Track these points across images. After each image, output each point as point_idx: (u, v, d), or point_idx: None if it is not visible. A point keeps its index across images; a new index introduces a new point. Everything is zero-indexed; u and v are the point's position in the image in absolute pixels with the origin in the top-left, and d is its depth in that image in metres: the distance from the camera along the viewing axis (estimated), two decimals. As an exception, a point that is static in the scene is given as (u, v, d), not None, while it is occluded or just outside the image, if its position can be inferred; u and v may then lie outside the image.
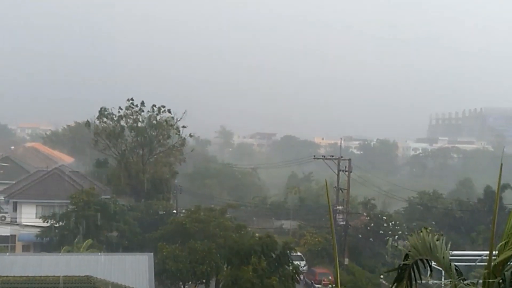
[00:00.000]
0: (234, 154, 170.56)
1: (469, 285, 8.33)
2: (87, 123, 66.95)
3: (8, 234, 55.75)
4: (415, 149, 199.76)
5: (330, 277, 52.05)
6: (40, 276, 30.05)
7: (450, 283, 8.74)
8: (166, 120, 66.06)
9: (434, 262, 9.22)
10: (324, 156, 65.81)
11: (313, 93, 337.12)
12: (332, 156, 64.02)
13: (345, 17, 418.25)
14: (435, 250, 9.10)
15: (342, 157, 62.66)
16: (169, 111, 66.42)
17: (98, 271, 32.98)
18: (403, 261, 9.57)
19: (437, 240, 9.25)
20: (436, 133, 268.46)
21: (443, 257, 9.01)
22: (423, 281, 9.37)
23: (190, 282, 43.52)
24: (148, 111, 66.32)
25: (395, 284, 9.60)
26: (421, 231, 9.48)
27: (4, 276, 29.38)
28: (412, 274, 9.43)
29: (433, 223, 64.36)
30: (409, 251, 9.51)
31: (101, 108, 65.44)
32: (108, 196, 56.19)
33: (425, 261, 9.34)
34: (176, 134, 66.66)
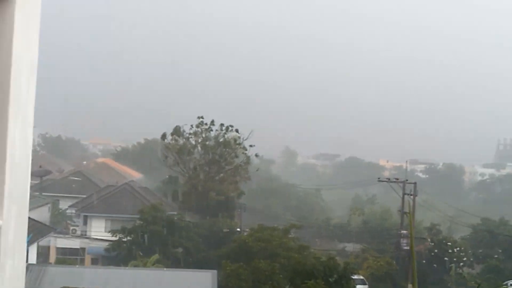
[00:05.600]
0: (297, 174, 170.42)
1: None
2: (163, 136, 68.27)
3: (78, 247, 57.74)
4: (482, 174, 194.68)
5: (392, 302, 51.54)
6: (109, 289, 31.21)
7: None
8: (234, 139, 67.19)
9: None
10: (389, 179, 65.35)
11: (378, 117, 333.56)
12: (397, 179, 63.44)
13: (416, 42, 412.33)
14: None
15: (407, 180, 62.03)
16: (236, 130, 67.60)
17: (162, 286, 33.93)
18: None
19: None
20: (504, 158, 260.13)
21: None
22: None
23: (252, 301, 43.90)
24: (216, 130, 67.68)
25: None
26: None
27: (73, 288, 30.65)
28: None
29: (500, 251, 62.83)
30: None
31: (176, 126, 67.12)
32: (175, 212, 57.54)
33: None
34: (243, 153, 67.63)
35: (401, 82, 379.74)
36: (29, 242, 40.70)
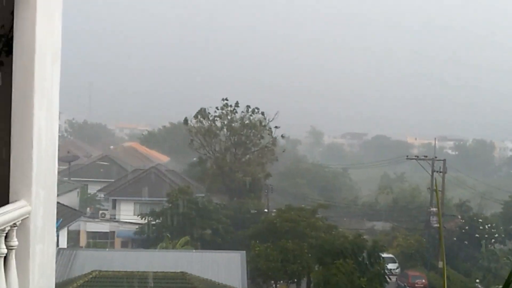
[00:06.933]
0: (324, 154, 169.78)
1: None
2: (185, 120, 68.56)
3: (108, 231, 58.31)
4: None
5: (423, 280, 51.10)
6: (138, 272, 31.35)
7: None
8: (260, 120, 66.96)
9: None
10: (418, 157, 64.58)
11: (405, 92, 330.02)
12: (426, 156, 62.70)
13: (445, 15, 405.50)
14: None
15: (436, 157, 61.26)
16: (262, 113, 67.40)
17: (192, 268, 34.02)
18: None
19: None
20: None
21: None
22: None
23: (281, 281, 43.94)
24: (242, 112, 67.48)
25: None
26: None
27: (104, 271, 30.86)
28: None
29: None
30: None
31: (200, 109, 67.09)
32: (202, 195, 57.64)
33: None
34: (269, 134, 67.39)
35: (429, 55, 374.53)
36: (59, 227, 41.08)
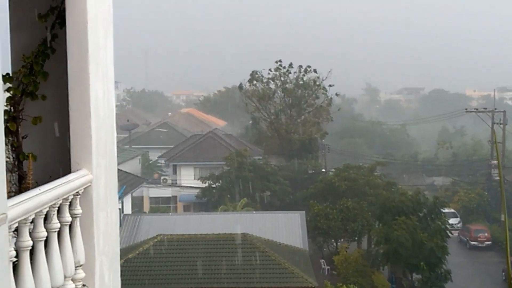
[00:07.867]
0: (381, 111, 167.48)
1: None
2: (240, 86, 68.97)
3: (170, 195, 59.74)
4: None
5: (486, 234, 50.59)
6: (201, 234, 32.19)
7: None
8: (314, 80, 66.59)
9: None
10: (477, 109, 63.37)
11: (463, 43, 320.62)
12: (486, 108, 61.49)
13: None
14: None
15: (496, 109, 59.98)
16: (315, 71, 66.88)
17: (253, 229, 34.65)
18: None
19: None
20: None
21: None
22: None
23: (342, 240, 44.28)
24: (295, 72, 67.20)
25: None
26: None
27: (168, 234, 31.81)
28: None
29: None
30: None
31: (252, 72, 67.18)
32: (260, 157, 58.18)
33: None
34: (323, 93, 67.04)
35: (488, 5, 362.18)
36: (123, 194, 42.44)
